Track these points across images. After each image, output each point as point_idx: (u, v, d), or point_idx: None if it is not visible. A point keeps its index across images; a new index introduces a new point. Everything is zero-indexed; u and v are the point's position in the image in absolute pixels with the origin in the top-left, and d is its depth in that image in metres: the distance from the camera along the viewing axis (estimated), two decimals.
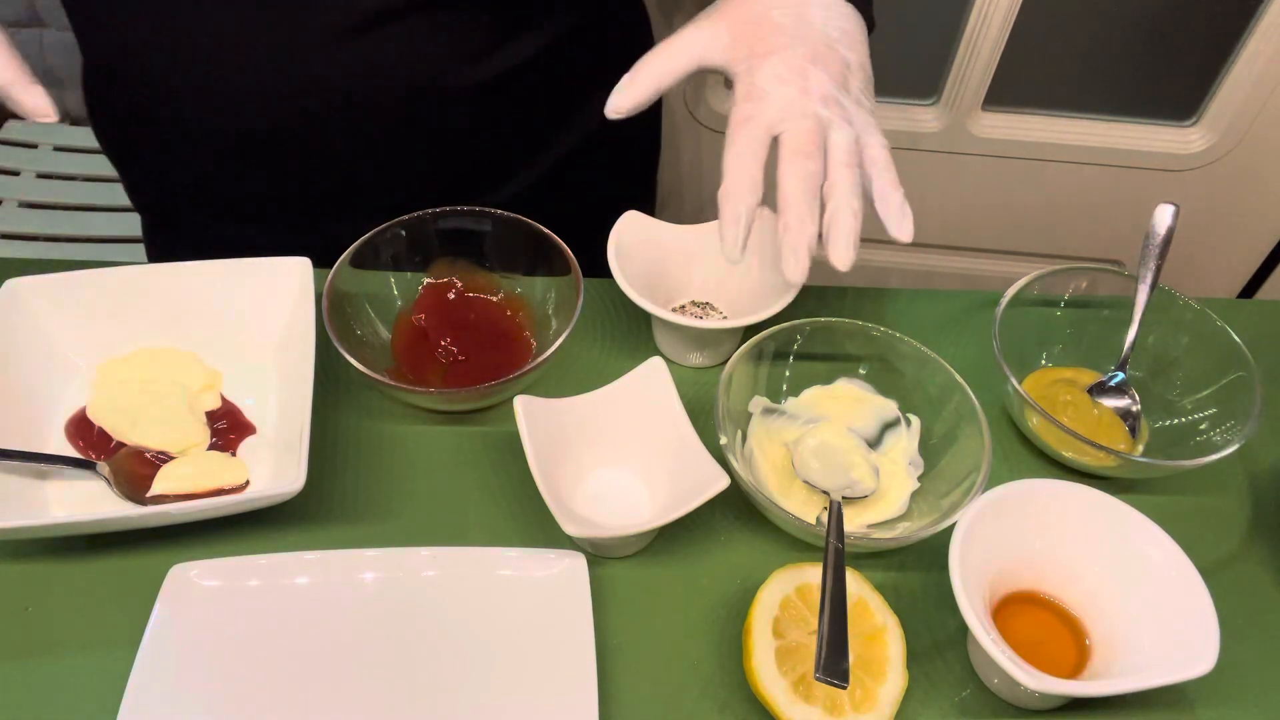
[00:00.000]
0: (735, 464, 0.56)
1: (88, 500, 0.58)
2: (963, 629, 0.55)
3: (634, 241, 0.67)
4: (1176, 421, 0.66)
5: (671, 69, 0.58)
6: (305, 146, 0.69)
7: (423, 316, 0.67)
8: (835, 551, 0.52)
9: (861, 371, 0.65)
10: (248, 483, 0.59)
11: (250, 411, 0.63)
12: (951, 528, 0.52)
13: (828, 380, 0.65)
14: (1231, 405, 0.63)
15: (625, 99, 0.58)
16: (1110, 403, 0.66)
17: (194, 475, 0.58)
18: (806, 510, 0.59)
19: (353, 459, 0.62)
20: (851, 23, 0.59)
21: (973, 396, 0.59)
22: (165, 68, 0.67)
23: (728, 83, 0.63)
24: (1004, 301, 0.65)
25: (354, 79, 0.66)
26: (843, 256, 0.54)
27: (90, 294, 0.63)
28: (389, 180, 0.73)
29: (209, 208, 0.77)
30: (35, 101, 0.57)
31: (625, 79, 0.59)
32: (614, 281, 0.64)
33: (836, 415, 0.64)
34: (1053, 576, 0.55)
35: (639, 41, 0.83)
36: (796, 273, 0.54)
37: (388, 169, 0.72)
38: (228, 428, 0.62)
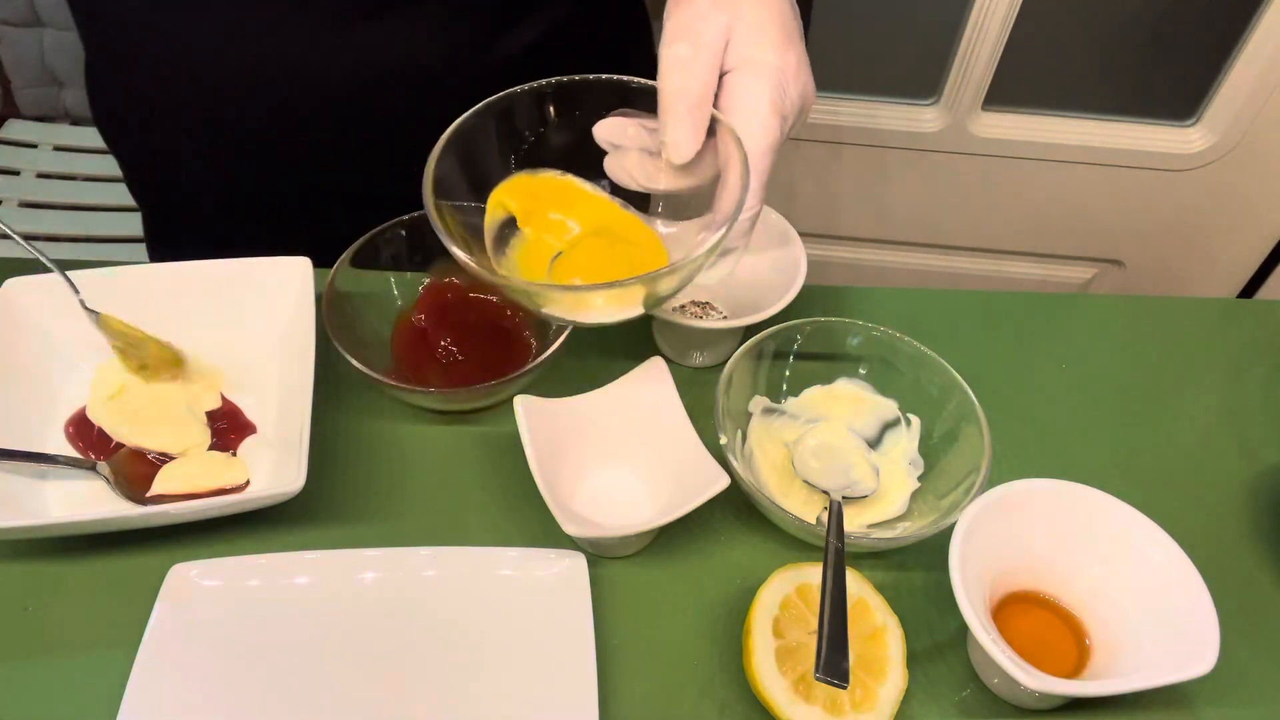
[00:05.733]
0: (735, 464, 0.56)
1: (88, 500, 0.58)
2: (963, 629, 0.55)
3: None
4: None
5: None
6: (305, 139, 0.70)
7: (422, 316, 0.67)
8: (835, 551, 0.52)
9: (861, 371, 0.65)
10: (248, 483, 0.59)
11: (250, 411, 0.63)
12: (951, 528, 0.52)
13: (828, 380, 0.65)
14: None
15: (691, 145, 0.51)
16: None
17: (194, 475, 0.58)
18: (806, 510, 0.59)
19: (353, 459, 0.62)
20: None
21: (973, 396, 0.59)
22: (166, 58, 0.67)
23: None
24: None
25: (355, 70, 0.66)
26: None
27: (90, 294, 0.63)
28: (389, 174, 0.73)
29: (211, 203, 0.77)
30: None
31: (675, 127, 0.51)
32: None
33: (836, 415, 0.64)
34: (1053, 576, 0.55)
35: (637, 29, 0.83)
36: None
37: (387, 163, 0.72)
38: (228, 428, 0.62)
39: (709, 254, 0.49)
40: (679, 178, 0.53)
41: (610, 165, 0.55)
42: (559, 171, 0.57)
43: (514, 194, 0.56)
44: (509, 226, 0.57)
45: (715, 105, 0.52)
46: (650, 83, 0.53)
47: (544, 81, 0.55)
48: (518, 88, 0.55)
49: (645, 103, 0.54)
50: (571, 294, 0.52)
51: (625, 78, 0.54)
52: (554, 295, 0.52)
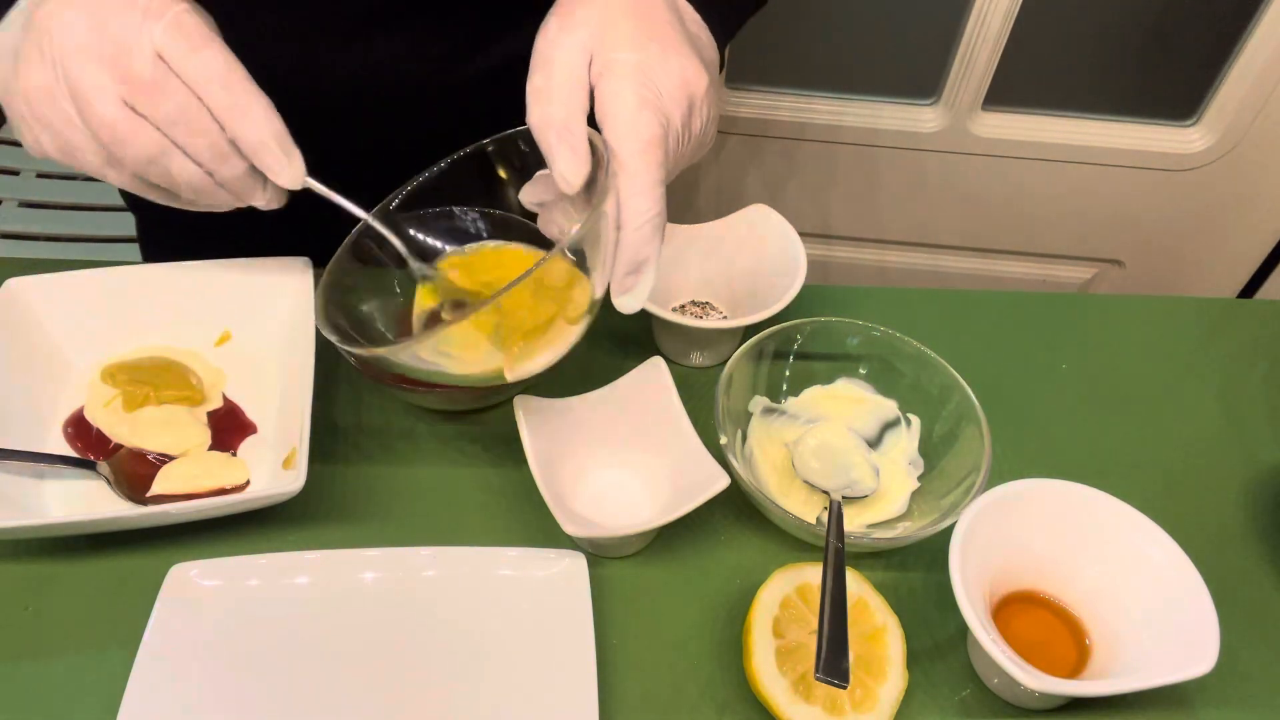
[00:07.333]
0: (735, 464, 0.56)
1: (88, 500, 0.57)
2: (963, 629, 0.55)
3: None
4: None
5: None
6: (304, 143, 0.70)
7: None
8: (835, 551, 0.52)
9: (861, 371, 0.65)
10: (248, 483, 0.59)
11: (250, 411, 0.63)
12: (951, 528, 0.52)
13: (828, 380, 0.65)
14: None
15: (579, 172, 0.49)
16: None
17: (194, 475, 0.58)
18: (806, 510, 0.59)
19: (353, 459, 0.62)
20: None
21: (973, 396, 0.59)
22: None
23: None
24: None
25: (353, 76, 0.66)
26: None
27: (90, 294, 0.63)
28: (387, 177, 0.73)
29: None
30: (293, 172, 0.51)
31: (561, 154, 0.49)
32: None
33: (836, 415, 0.64)
34: (1053, 576, 0.55)
35: None
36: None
37: (386, 165, 0.72)
38: (228, 428, 0.62)
39: (572, 243, 0.46)
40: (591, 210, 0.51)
41: (542, 224, 0.54)
42: (494, 242, 0.59)
43: (455, 274, 0.56)
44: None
45: (594, 123, 0.50)
46: (510, 132, 0.54)
47: (415, 180, 0.59)
48: (395, 194, 0.59)
49: (516, 154, 0.55)
50: (433, 335, 0.47)
51: (482, 143, 0.56)
52: (435, 340, 0.47)
